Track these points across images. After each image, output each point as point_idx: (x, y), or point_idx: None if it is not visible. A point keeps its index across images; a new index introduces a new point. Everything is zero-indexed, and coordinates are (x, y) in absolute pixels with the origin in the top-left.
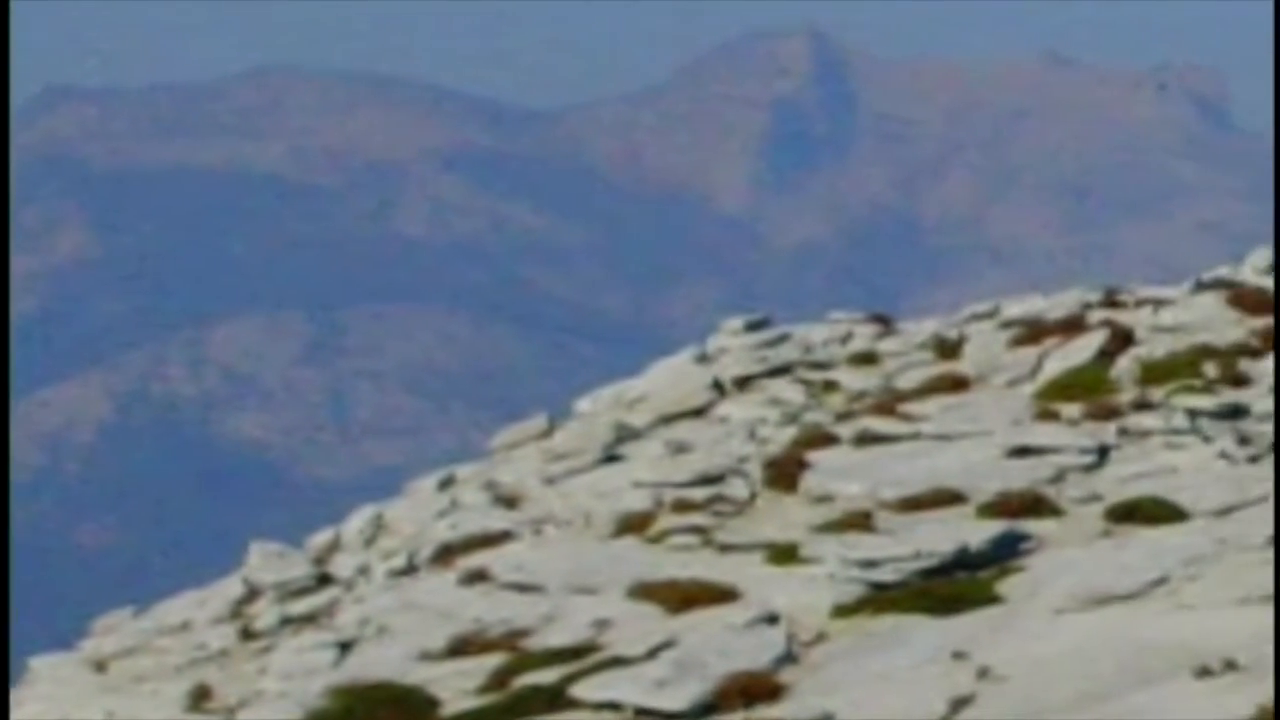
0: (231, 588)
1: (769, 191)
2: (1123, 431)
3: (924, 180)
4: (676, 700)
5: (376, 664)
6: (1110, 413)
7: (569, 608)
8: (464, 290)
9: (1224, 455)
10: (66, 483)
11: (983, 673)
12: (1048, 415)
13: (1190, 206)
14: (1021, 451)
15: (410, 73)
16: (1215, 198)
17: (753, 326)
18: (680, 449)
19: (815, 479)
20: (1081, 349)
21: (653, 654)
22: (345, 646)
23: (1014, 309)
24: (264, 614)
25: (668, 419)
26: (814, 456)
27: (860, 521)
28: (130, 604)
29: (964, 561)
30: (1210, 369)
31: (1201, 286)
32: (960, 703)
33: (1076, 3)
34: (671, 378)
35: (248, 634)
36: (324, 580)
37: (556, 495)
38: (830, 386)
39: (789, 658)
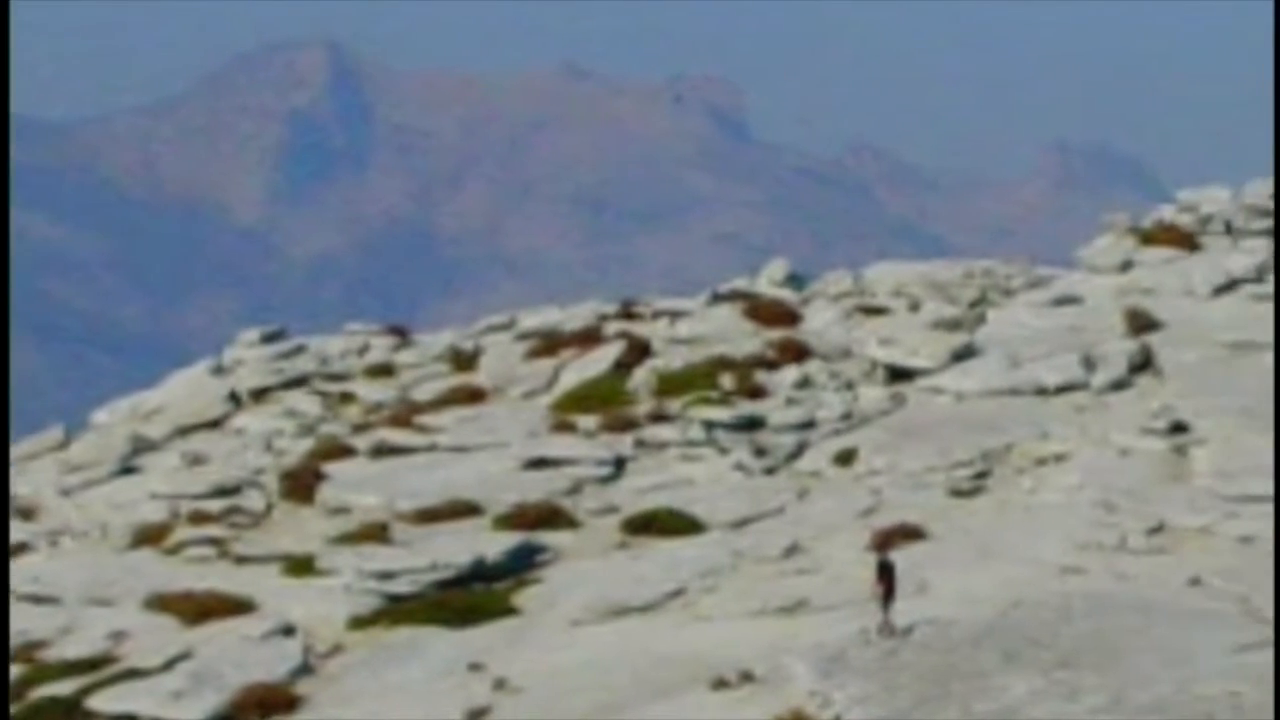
0: None
1: (285, 203)
2: (639, 443)
3: (440, 192)
4: (193, 711)
5: None
6: (627, 424)
7: (86, 619)
8: None
9: (740, 467)
10: None
11: (499, 684)
12: (564, 427)
13: (707, 218)
14: (538, 463)
15: None
16: (732, 209)
17: (269, 338)
18: (197, 460)
19: (332, 491)
20: (598, 361)
21: (169, 665)
22: None
23: (530, 321)
24: None
25: (184, 430)
26: (330, 468)
27: (377, 533)
28: None
29: (481, 573)
30: (727, 381)
31: (718, 298)
32: (477, 714)
33: (594, 14)
34: (188, 389)
35: None
36: None
37: (73, 507)
38: (347, 398)
39: (306, 669)
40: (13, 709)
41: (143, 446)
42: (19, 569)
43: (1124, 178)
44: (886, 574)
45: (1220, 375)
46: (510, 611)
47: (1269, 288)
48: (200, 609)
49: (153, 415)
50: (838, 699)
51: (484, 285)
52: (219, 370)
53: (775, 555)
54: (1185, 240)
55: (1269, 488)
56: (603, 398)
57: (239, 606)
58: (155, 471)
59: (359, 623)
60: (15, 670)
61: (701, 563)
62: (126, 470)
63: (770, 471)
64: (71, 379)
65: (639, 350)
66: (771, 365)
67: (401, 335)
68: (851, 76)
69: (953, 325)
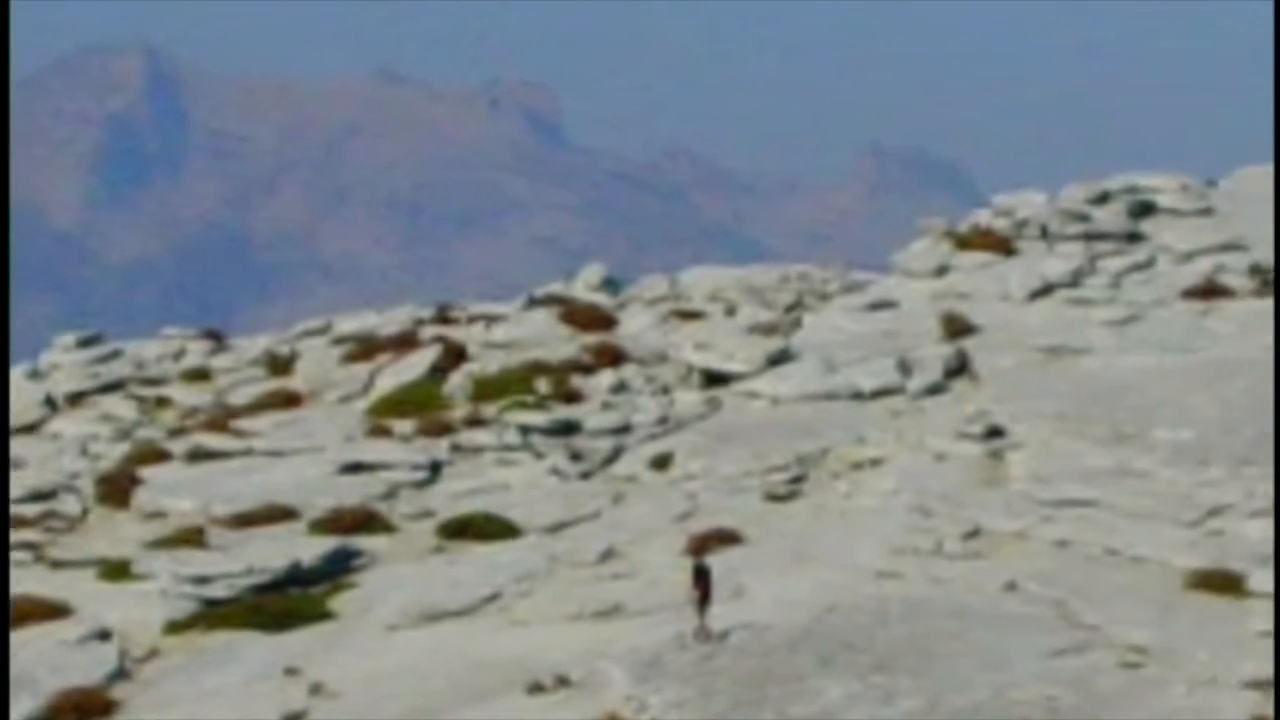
0: None
1: (102, 208)
2: (455, 448)
3: (256, 197)
4: (9, 716)
5: None
6: (443, 429)
7: None
8: None
9: (556, 471)
10: None
11: (315, 689)
12: (380, 431)
13: (523, 222)
14: (354, 468)
15: None
16: (548, 214)
17: (85, 343)
18: (13, 465)
19: (147, 495)
20: (414, 365)
21: None
22: None
23: (346, 325)
24: None
25: None
26: (146, 473)
27: (193, 538)
28: None
29: (297, 578)
30: (542, 385)
31: (534, 303)
32: (293, 718)
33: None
34: None
35: None
36: None
37: None
38: (163, 403)
39: (122, 674)
40: None
41: None
42: None
43: (940, 182)
44: (702, 579)
45: (1035, 380)
46: (326, 616)
47: (1084, 292)
48: (16, 614)
49: None
50: (654, 703)
51: (300, 290)
52: (35, 375)
53: (591, 560)
54: (1001, 245)
55: (1084, 492)
56: (419, 402)
57: (55, 611)
58: None
59: (175, 627)
60: None
61: (517, 567)
62: None
63: (586, 476)
64: None
65: (455, 355)
66: (587, 370)
67: (217, 340)
68: (667, 81)
69: (768, 330)
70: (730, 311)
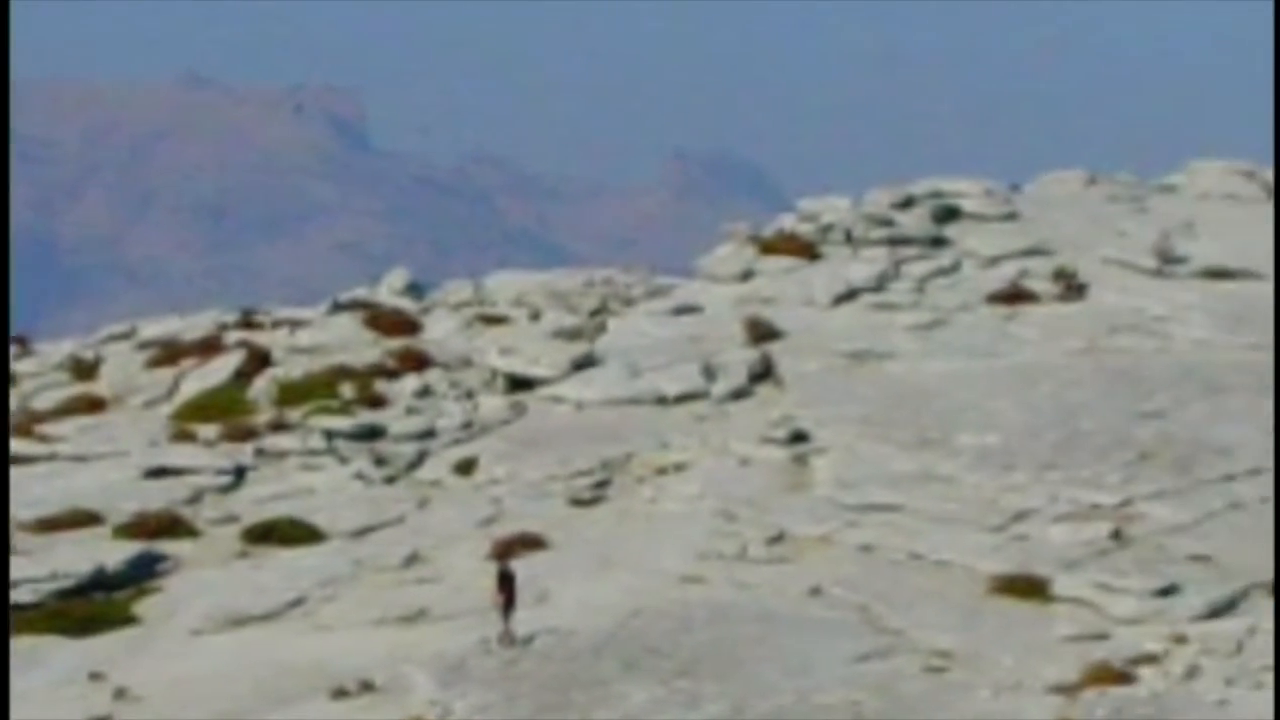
0: None
1: None
2: (260, 452)
3: (61, 202)
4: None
5: None
6: (247, 434)
7: None
8: None
9: (360, 476)
10: None
11: (120, 693)
12: (185, 436)
13: (328, 227)
14: (159, 472)
15: None
16: (352, 218)
17: None
18: None
19: None
20: (218, 370)
21: None
22: None
23: (151, 330)
24: None
25: None
26: None
27: None
28: None
29: (101, 582)
30: (347, 390)
31: (338, 307)
32: None
33: (217, 23)
34: None
35: None
36: None
37: None
38: None
39: None
40: None
41: None
42: None
43: (745, 186)
44: (507, 583)
45: (840, 385)
46: (131, 621)
47: (888, 297)
48: None
49: None
50: (458, 708)
51: (105, 294)
52: None
53: (396, 564)
54: (805, 249)
55: (889, 496)
56: (223, 407)
57: None
58: None
59: None
60: None
61: (322, 572)
62: None
63: (391, 481)
64: None
65: (259, 359)
66: (392, 374)
67: (22, 344)
68: (472, 86)
69: (573, 334)
70: (535, 316)
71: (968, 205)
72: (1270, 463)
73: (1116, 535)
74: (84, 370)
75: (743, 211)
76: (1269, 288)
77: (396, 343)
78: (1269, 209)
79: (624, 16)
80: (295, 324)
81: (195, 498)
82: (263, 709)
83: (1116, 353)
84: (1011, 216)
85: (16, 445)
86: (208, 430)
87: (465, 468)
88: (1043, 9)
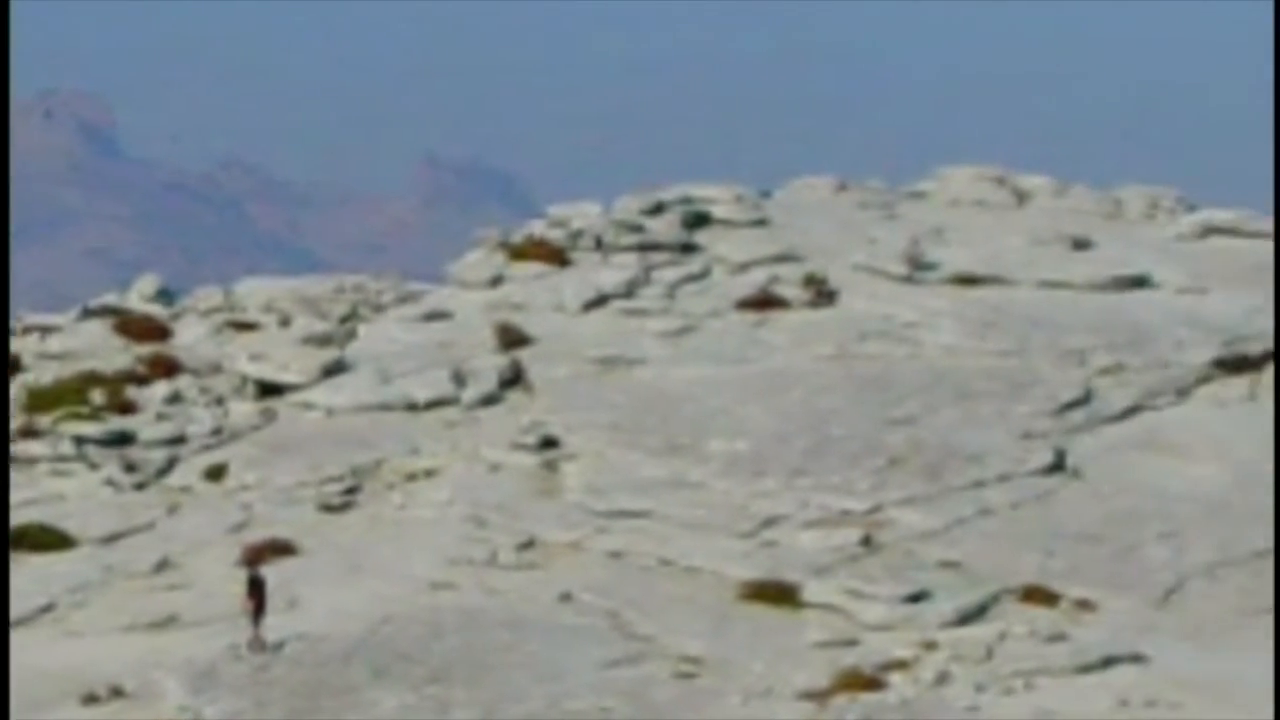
0: None
1: None
2: (11, 458)
3: None
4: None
5: None
6: None
7: None
8: None
9: (110, 482)
10: None
11: None
12: None
13: (77, 233)
14: None
15: None
16: (102, 224)
17: None
18: None
19: None
20: None
21: None
22: None
23: None
24: None
25: None
26: None
27: None
28: None
29: None
30: (97, 396)
31: (88, 313)
32: None
33: None
34: None
35: None
36: None
37: None
38: None
39: None
40: None
41: None
42: None
43: (495, 193)
44: (257, 589)
45: (590, 390)
46: None
47: (638, 303)
48: None
49: None
50: (208, 714)
51: None
52: None
53: (146, 570)
54: (555, 256)
55: (639, 502)
56: None
57: None
58: None
59: None
60: None
61: (72, 578)
62: None
63: (141, 487)
64: None
65: (11, 366)
66: (142, 380)
67: None
68: (221, 92)
69: (323, 340)
70: (285, 322)
71: (718, 211)
72: (1018, 469)
73: (866, 541)
74: None
75: (493, 218)
76: (1018, 293)
77: (146, 349)
78: (1019, 215)
79: (375, 22)
80: (45, 330)
81: None
82: (13, 715)
83: (866, 359)
84: (761, 223)
85: None
86: None
87: (215, 474)
88: (794, 14)
